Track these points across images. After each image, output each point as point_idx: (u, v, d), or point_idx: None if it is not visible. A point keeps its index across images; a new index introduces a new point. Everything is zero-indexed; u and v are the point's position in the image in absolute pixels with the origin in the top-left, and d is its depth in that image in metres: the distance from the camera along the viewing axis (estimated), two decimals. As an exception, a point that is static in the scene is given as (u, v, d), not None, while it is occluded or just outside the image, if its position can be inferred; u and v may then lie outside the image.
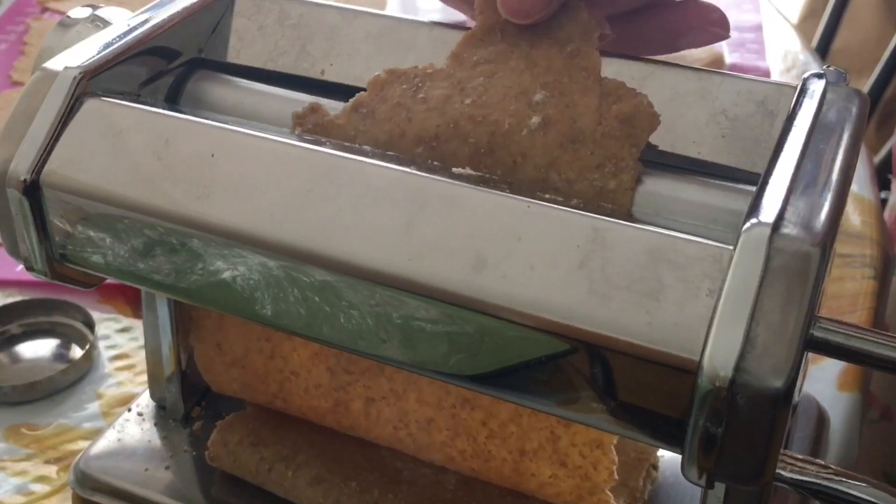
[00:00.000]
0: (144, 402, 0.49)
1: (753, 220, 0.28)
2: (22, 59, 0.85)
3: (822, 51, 1.09)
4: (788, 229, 0.27)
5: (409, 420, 0.41)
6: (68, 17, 0.40)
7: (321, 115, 0.37)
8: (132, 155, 0.34)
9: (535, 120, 0.34)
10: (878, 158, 0.98)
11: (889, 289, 0.68)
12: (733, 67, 0.85)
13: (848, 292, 0.65)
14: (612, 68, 0.36)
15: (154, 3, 0.40)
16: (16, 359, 0.56)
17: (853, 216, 0.71)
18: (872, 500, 0.30)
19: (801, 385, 0.41)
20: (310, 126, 0.37)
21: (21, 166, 0.34)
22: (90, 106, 0.35)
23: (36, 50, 0.41)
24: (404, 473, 0.42)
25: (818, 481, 0.30)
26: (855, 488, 0.30)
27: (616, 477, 0.38)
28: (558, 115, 0.34)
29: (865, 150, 0.82)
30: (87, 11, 0.40)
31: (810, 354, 0.28)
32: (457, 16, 0.40)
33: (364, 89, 0.37)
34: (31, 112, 0.35)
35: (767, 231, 0.27)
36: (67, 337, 0.58)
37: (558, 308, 0.29)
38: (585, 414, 0.30)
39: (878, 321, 0.64)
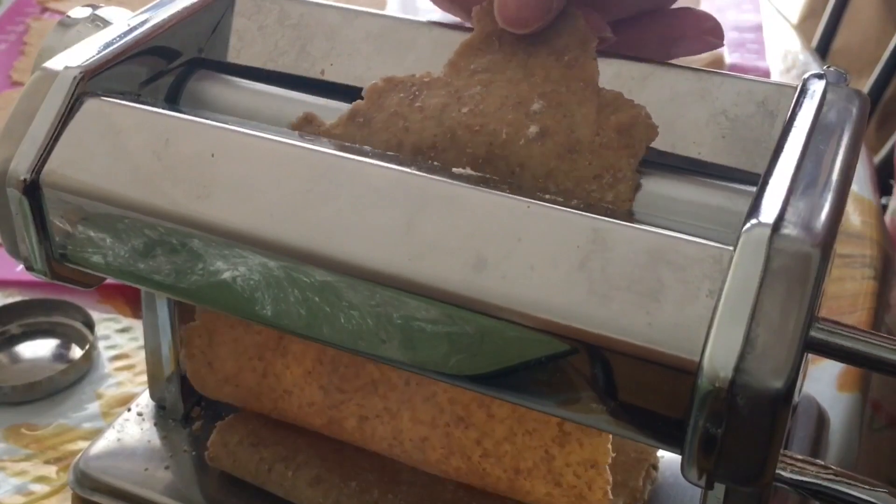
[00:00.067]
0: (144, 402, 0.49)
1: (753, 221, 0.28)
2: (22, 59, 0.85)
3: (822, 51, 1.09)
4: (788, 230, 0.27)
5: (404, 438, 0.41)
6: (68, 16, 0.40)
7: (317, 124, 0.37)
8: (132, 155, 0.34)
9: (533, 130, 0.34)
10: (878, 158, 0.98)
11: (889, 289, 0.68)
12: (733, 67, 0.85)
13: (848, 293, 0.65)
14: (613, 69, 0.36)
15: (154, 2, 0.40)
16: (15, 359, 0.56)
17: (853, 216, 0.71)
18: (872, 500, 0.30)
19: (801, 385, 0.41)
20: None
21: (21, 166, 0.34)
22: (90, 106, 0.35)
23: (36, 50, 0.41)
24: (404, 474, 0.42)
25: (818, 482, 0.30)
26: (855, 489, 0.30)
27: (611, 497, 0.38)
28: (556, 126, 0.34)
29: (865, 150, 0.82)
30: (87, 11, 0.40)
31: (810, 355, 0.28)
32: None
33: (364, 89, 0.37)
34: (31, 112, 0.35)
35: (767, 232, 0.27)
36: (67, 337, 0.58)
37: (558, 308, 0.29)
38: (585, 414, 0.30)
39: (877, 321, 0.64)
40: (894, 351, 0.27)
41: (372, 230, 0.31)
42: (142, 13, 0.39)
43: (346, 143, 0.36)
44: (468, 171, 0.34)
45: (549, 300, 0.29)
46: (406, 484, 0.42)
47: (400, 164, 0.33)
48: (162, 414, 0.48)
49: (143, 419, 0.48)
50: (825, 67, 0.35)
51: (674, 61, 0.37)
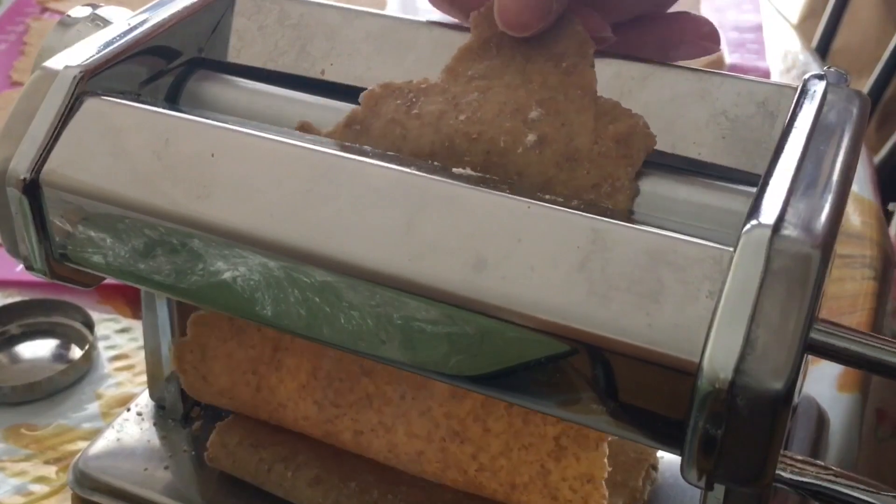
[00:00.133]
0: (144, 402, 0.49)
1: (753, 222, 0.28)
2: (22, 59, 0.85)
3: (822, 51, 1.09)
4: (789, 231, 0.27)
5: (399, 452, 0.41)
6: (68, 16, 0.40)
7: (313, 132, 0.37)
8: (132, 154, 0.34)
9: (531, 138, 0.34)
10: (878, 158, 0.98)
11: (889, 289, 0.68)
12: (733, 68, 0.85)
13: (848, 293, 0.65)
14: (612, 69, 0.36)
15: (154, 2, 0.40)
16: (15, 359, 0.56)
17: (853, 216, 0.71)
18: (872, 501, 0.30)
19: (801, 386, 0.41)
20: None
21: (21, 165, 0.34)
22: (90, 105, 0.35)
23: (36, 50, 0.41)
24: (404, 475, 0.42)
25: (818, 482, 0.30)
26: (854, 490, 0.30)
27: None
28: (554, 134, 0.34)
29: (865, 150, 0.81)
30: (87, 11, 0.40)
31: (810, 356, 0.28)
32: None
33: (364, 89, 0.37)
34: (30, 111, 0.35)
35: (768, 233, 0.27)
36: (67, 337, 0.58)
37: (558, 309, 0.29)
38: (585, 415, 0.30)
39: (878, 322, 0.64)
40: (894, 354, 0.27)
41: (372, 230, 0.31)
42: (142, 13, 0.39)
43: (347, 143, 0.36)
44: (468, 171, 0.34)
45: (548, 301, 0.29)
46: (406, 485, 0.42)
47: (400, 164, 0.33)
48: (161, 414, 0.48)
49: (143, 419, 0.48)
50: (825, 68, 0.35)
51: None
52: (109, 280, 0.38)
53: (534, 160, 0.34)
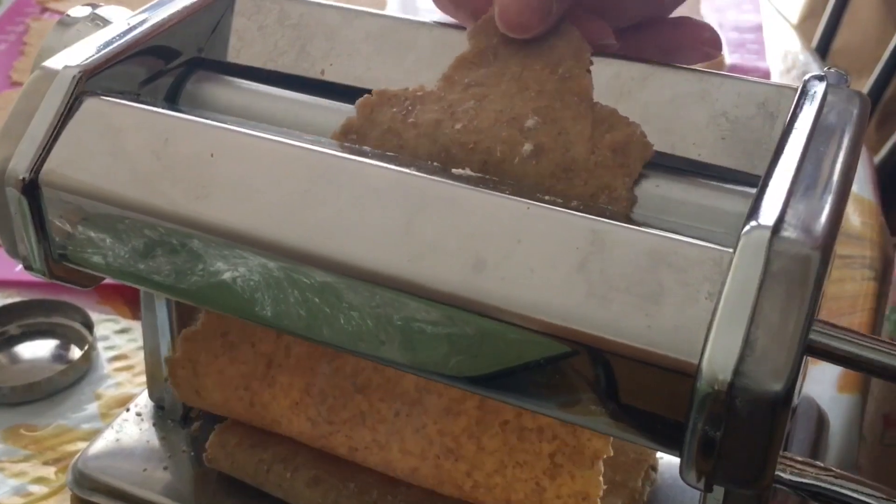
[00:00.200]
0: (143, 402, 0.49)
1: (753, 223, 0.28)
2: (22, 59, 0.85)
3: (822, 51, 1.09)
4: (788, 232, 0.27)
5: (395, 467, 0.41)
6: (68, 16, 0.40)
7: None
8: (131, 154, 0.34)
9: (528, 147, 0.34)
10: (878, 158, 0.98)
11: (889, 290, 0.68)
12: (733, 68, 0.85)
13: (848, 293, 0.65)
14: (612, 69, 0.36)
15: (154, 2, 0.40)
16: (14, 360, 0.56)
17: (853, 217, 0.71)
18: (872, 502, 0.29)
19: (801, 387, 0.41)
20: None
21: (20, 165, 0.34)
22: (89, 105, 0.35)
23: (36, 50, 0.41)
24: (403, 475, 0.42)
25: (818, 483, 0.30)
26: (854, 490, 0.30)
27: None
28: (551, 143, 0.34)
29: (865, 150, 0.81)
30: (86, 10, 0.40)
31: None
32: (457, 16, 0.40)
33: (363, 90, 0.37)
34: (30, 111, 0.35)
35: (767, 234, 0.27)
36: (66, 338, 0.58)
37: (557, 310, 0.28)
38: (584, 416, 0.30)
39: (877, 322, 0.64)
40: (894, 356, 0.27)
41: (371, 231, 0.31)
42: (141, 12, 0.39)
43: (346, 144, 0.36)
44: (467, 171, 0.34)
45: (548, 302, 0.29)
46: (405, 485, 0.42)
47: (399, 164, 0.33)
48: (161, 414, 0.48)
49: (142, 420, 0.48)
50: (826, 68, 0.35)
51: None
52: (109, 280, 0.38)
53: (530, 170, 0.34)
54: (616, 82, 0.36)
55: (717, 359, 0.26)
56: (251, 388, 0.42)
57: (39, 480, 0.50)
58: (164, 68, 0.39)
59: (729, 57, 0.87)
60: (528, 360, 0.29)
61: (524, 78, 0.35)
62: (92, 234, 0.35)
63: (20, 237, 0.36)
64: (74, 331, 0.58)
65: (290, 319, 0.33)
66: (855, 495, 0.30)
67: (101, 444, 0.46)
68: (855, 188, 0.73)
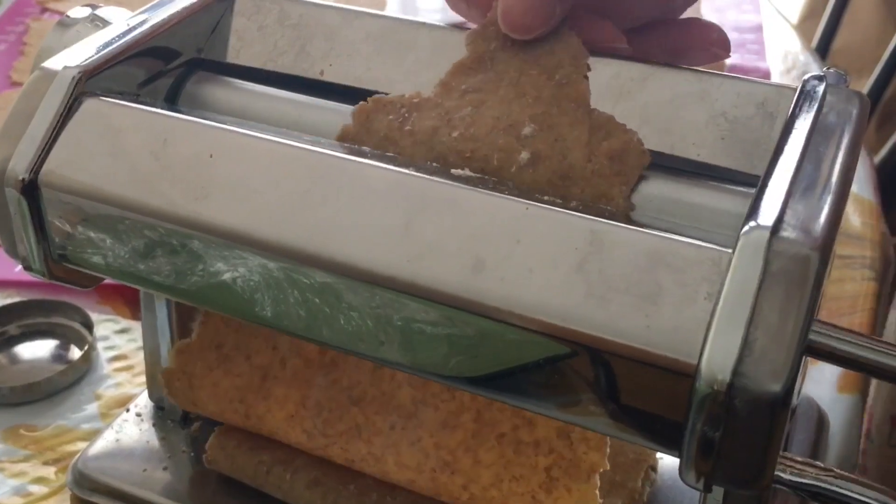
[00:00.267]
0: (143, 402, 0.49)
1: (752, 224, 0.28)
2: (22, 60, 0.85)
3: (822, 51, 1.09)
4: (787, 233, 0.27)
5: (391, 479, 0.41)
6: (68, 16, 0.40)
7: None
8: (130, 155, 0.34)
9: (525, 156, 0.34)
10: (878, 158, 0.98)
11: (889, 290, 0.68)
12: (733, 68, 0.85)
13: (848, 294, 0.64)
14: (612, 70, 0.36)
15: (153, 2, 0.40)
16: (14, 360, 0.56)
17: (853, 217, 0.71)
18: (872, 502, 0.29)
19: (801, 387, 0.41)
20: None
21: (19, 166, 0.34)
22: (89, 106, 0.35)
23: (35, 50, 0.41)
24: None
25: (818, 483, 0.30)
26: (854, 490, 0.30)
27: None
28: (548, 151, 0.34)
29: (865, 150, 0.81)
30: (86, 11, 0.40)
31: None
32: (457, 17, 0.40)
33: (363, 90, 0.37)
34: (29, 111, 0.35)
35: (766, 234, 0.27)
36: (66, 338, 0.58)
37: (556, 311, 0.28)
38: (583, 417, 0.30)
39: (877, 323, 0.64)
40: (894, 356, 0.27)
41: (370, 231, 0.31)
42: (141, 13, 0.39)
43: (345, 144, 0.36)
44: (467, 171, 0.34)
45: (547, 302, 0.29)
46: (404, 488, 0.42)
47: (398, 165, 0.33)
48: (160, 415, 0.48)
49: (142, 420, 0.48)
50: (825, 68, 0.35)
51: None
52: (109, 280, 0.38)
53: (527, 179, 0.34)
54: (616, 82, 0.36)
55: (716, 359, 0.26)
56: (246, 400, 0.42)
57: (39, 480, 0.50)
58: (164, 69, 0.39)
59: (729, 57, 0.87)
60: (527, 361, 0.29)
61: (521, 84, 0.35)
62: (91, 234, 0.35)
63: (20, 237, 0.36)
64: (74, 331, 0.58)
65: (290, 320, 0.33)
66: (855, 496, 0.30)
67: (100, 444, 0.46)
68: (855, 188, 0.73)
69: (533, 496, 0.38)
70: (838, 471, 0.30)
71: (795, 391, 0.27)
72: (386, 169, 0.32)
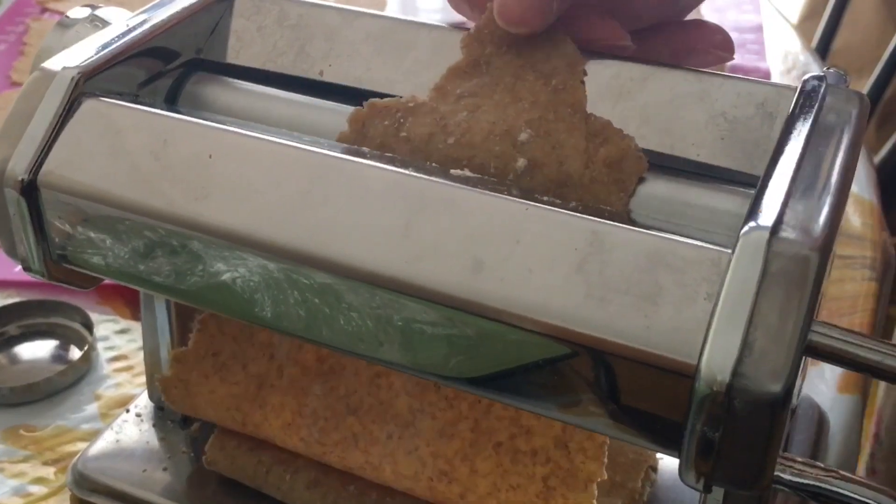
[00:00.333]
0: (143, 403, 0.49)
1: (752, 224, 0.28)
2: (21, 60, 0.85)
3: (822, 51, 1.09)
4: (787, 233, 0.27)
5: (389, 487, 0.41)
6: (67, 17, 0.40)
7: None
8: (130, 155, 0.34)
9: (521, 163, 0.34)
10: (878, 158, 0.98)
11: (889, 290, 0.68)
12: (733, 68, 0.85)
13: (848, 294, 0.64)
14: (612, 70, 0.36)
15: (153, 3, 0.40)
16: (14, 360, 0.56)
17: (853, 217, 0.71)
18: (872, 502, 0.29)
19: (801, 387, 0.41)
20: None
21: (19, 166, 0.34)
22: (88, 106, 0.35)
23: (35, 50, 0.41)
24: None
25: (818, 484, 0.30)
26: (855, 491, 0.30)
27: None
28: (545, 158, 0.34)
29: (865, 150, 0.81)
30: (86, 11, 0.40)
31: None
32: (457, 17, 0.40)
33: (363, 90, 0.37)
34: (29, 112, 0.35)
35: (766, 235, 0.27)
36: (66, 338, 0.58)
37: (556, 311, 0.28)
38: (583, 417, 0.30)
39: (877, 323, 0.64)
40: (894, 357, 0.27)
41: (370, 232, 0.31)
42: (141, 14, 0.39)
43: (345, 145, 0.36)
44: (466, 172, 0.34)
45: (546, 303, 0.29)
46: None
47: (398, 165, 0.33)
48: (160, 415, 0.48)
49: (142, 420, 0.48)
50: (825, 69, 0.35)
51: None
52: (108, 281, 0.38)
53: (524, 186, 0.33)
54: (616, 83, 0.36)
55: (716, 359, 0.26)
56: (242, 408, 0.42)
57: (39, 481, 0.50)
58: (164, 69, 0.39)
59: (729, 57, 0.87)
60: (527, 361, 0.29)
61: (517, 89, 0.35)
62: (91, 235, 0.35)
63: (19, 238, 0.36)
64: (74, 331, 0.58)
65: (290, 320, 0.33)
66: (855, 496, 0.30)
67: (100, 444, 0.46)
68: (855, 188, 0.73)
69: None
70: (838, 471, 0.30)
71: (795, 391, 0.27)
72: (385, 169, 0.32)
